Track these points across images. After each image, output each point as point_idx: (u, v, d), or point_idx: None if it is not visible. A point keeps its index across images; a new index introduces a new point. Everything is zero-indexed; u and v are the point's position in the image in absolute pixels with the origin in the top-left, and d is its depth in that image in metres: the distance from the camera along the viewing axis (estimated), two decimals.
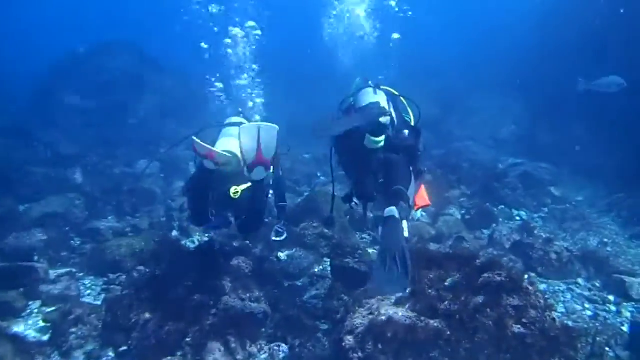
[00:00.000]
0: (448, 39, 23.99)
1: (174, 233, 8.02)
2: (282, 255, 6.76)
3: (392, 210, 4.08)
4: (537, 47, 14.76)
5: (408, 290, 4.19)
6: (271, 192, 5.63)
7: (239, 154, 4.65)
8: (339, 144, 4.79)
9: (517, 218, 8.69)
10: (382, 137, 4.37)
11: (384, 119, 4.38)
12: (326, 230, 6.92)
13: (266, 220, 5.31)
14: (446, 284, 4.57)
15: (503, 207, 8.97)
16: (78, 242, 7.48)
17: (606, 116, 11.28)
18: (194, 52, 9.87)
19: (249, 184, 4.88)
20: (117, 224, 8.14)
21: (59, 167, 10.20)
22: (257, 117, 7.68)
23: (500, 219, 8.43)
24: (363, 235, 7.67)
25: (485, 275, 4.38)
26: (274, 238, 5.87)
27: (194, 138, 4.50)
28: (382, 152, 4.48)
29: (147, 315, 4.72)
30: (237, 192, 4.84)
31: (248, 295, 5.29)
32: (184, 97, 15.40)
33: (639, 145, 9.51)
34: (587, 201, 9.54)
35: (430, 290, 4.50)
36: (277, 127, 4.64)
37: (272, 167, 5.02)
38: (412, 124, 4.83)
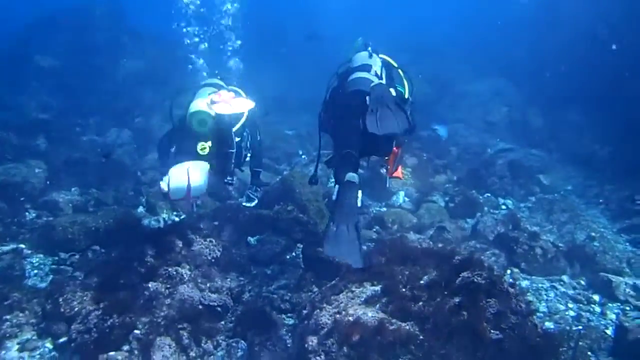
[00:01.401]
0: (443, 18, 23.43)
1: (140, 210, 7.52)
2: (252, 239, 6.33)
3: (354, 177, 4.03)
4: (531, 29, 14.43)
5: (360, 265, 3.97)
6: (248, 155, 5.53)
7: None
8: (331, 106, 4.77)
9: (503, 207, 8.32)
10: None
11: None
12: (301, 215, 6.48)
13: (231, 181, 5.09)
14: (422, 282, 4.20)
15: (489, 195, 8.60)
16: (33, 215, 6.94)
17: (603, 102, 11.00)
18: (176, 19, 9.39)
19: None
20: (79, 197, 7.60)
21: (24, 133, 9.56)
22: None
23: (486, 208, 8.06)
24: None
25: (464, 274, 4.02)
26: (244, 203, 5.73)
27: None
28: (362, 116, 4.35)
29: (91, 305, 4.27)
30: (205, 148, 4.84)
31: (208, 284, 4.86)
32: (165, 65, 14.66)
33: (634, 135, 9.17)
34: (576, 190, 9.20)
35: (403, 289, 4.13)
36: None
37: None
38: (406, 95, 4.78)
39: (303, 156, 10.68)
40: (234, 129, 5.05)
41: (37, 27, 15.25)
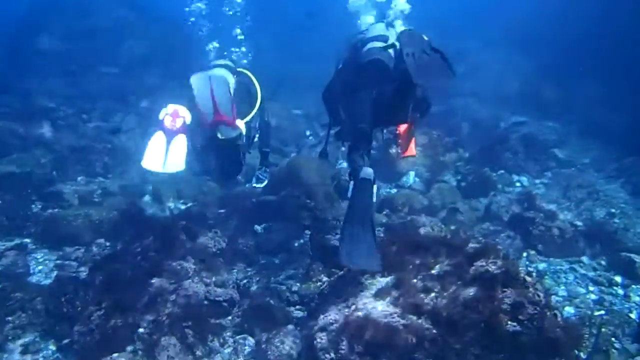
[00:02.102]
0: None
1: (146, 198, 7.40)
2: (259, 228, 6.17)
3: (369, 173, 4.00)
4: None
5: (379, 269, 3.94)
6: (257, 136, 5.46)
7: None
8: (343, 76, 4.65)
9: (518, 184, 8.04)
10: None
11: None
12: (308, 200, 6.29)
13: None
14: (433, 272, 4.02)
15: (503, 172, 8.28)
16: (39, 207, 6.85)
17: (618, 70, 10.57)
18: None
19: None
20: (84, 187, 7.50)
21: (29, 121, 9.42)
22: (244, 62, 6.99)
23: (500, 186, 7.78)
24: None
25: (478, 264, 3.84)
26: (254, 185, 5.67)
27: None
28: (376, 86, 4.38)
29: (94, 304, 4.16)
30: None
31: (214, 278, 4.73)
32: (170, 46, 14.34)
33: None
34: (595, 164, 8.83)
35: (415, 280, 3.96)
36: (227, 78, 4.56)
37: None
38: None
39: (310, 137, 10.44)
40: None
41: (39, 10, 14.95)
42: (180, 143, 4.50)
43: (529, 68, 13.28)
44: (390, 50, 4.46)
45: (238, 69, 5.40)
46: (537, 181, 8.21)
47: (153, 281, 4.44)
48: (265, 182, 5.68)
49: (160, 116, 4.57)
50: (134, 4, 15.87)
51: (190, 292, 4.43)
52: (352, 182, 4.08)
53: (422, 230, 5.35)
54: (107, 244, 5.63)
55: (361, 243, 3.84)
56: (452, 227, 6.00)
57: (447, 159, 8.42)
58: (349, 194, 4.06)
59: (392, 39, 4.58)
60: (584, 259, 5.78)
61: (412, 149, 5.06)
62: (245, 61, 7.21)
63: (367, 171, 4.03)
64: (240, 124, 4.67)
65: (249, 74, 5.42)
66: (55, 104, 10.69)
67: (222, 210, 6.37)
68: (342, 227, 3.99)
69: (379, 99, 4.38)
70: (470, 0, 19.88)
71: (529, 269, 5.49)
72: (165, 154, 4.46)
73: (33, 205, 6.88)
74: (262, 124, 5.44)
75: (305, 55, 15.01)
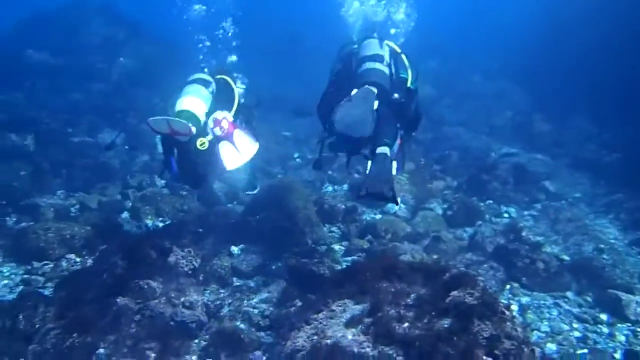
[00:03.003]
0: (446, 14, 23.04)
1: (124, 215, 7.20)
2: (236, 249, 5.98)
3: (384, 149, 4.09)
4: (539, 31, 14.10)
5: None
6: None
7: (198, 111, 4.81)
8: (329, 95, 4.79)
9: (505, 215, 7.89)
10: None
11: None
12: (288, 223, 6.10)
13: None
14: (408, 300, 3.86)
15: (491, 202, 8.15)
16: (13, 220, 6.65)
17: (611, 106, 10.62)
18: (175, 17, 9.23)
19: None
20: (62, 201, 7.31)
21: (12, 132, 9.26)
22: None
23: (487, 216, 7.64)
24: (332, 228, 6.87)
25: (455, 293, 3.68)
26: (247, 192, 5.93)
27: (149, 121, 4.47)
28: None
29: (52, 322, 3.94)
30: (204, 143, 4.78)
31: (182, 299, 4.52)
32: (162, 65, 14.34)
33: None
34: (585, 198, 8.71)
35: (388, 308, 3.79)
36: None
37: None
38: (409, 83, 4.74)
39: (298, 159, 10.32)
40: None
41: (30, 23, 14.99)
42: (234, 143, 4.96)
43: (521, 100, 13.34)
44: (386, 70, 4.62)
45: (216, 76, 5.44)
46: (526, 213, 8.07)
47: (118, 300, 4.23)
48: (258, 189, 6.03)
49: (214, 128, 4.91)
50: (126, 19, 15.98)
51: (155, 312, 4.22)
52: (369, 161, 4.17)
53: (402, 258, 5.19)
54: (77, 259, 5.42)
55: (379, 174, 3.98)
56: (434, 256, 5.86)
57: (434, 186, 8.29)
58: (367, 170, 4.12)
59: (386, 58, 4.71)
60: (569, 294, 5.60)
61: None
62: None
63: (383, 147, 4.13)
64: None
65: (227, 78, 5.51)
66: (41, 117, 10.53)
67: (199, 230, 6.18)
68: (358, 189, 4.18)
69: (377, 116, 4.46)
70: (462, 26, 20.13)
71: (511, 302, 5.32)
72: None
73: (8, 218, 6.69)
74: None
75: (300, 78, 15.04)
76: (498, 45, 16.48)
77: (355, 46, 4.95)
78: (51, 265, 5.37)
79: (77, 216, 6.82)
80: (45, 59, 13.57)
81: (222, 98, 5.18)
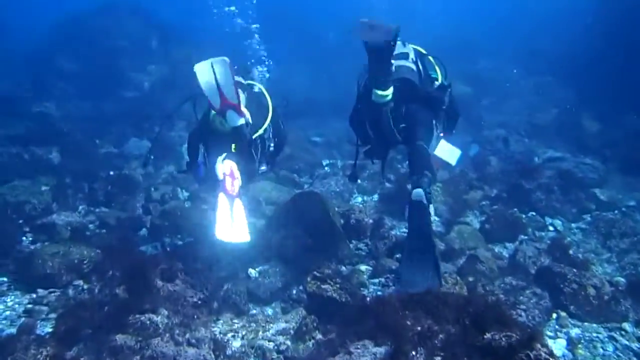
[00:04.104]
0: (483, 11, 22.19)
1: (142, 232, 6.94)
2: (254, 271, 5.58)
3: (420, 194, 4.05)
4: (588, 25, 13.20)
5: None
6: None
7: None
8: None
9: (551, 228, 7.18)
10: (389, 91, 4.30)
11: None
12: (311, 240, 5.67)
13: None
14: (436, 342, 3.39)
15: (534, 214, 7.47)
16: (29, 239, 6.49)
17: None
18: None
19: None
20: (80, 218, 7.09)
21: (38, 145, 9.21)
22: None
23: (529, 230, 6.97)
24: (359, 245, 6.38)
25: (490, 335, 3.21)
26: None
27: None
28: (403, 103, 4.58)
29: None
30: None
31: (187, 335, 4.15)
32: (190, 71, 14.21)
33: None
34: None
35: (413, 352, 3.32)
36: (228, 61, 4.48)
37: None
38: (439, 81, 4.76)
39: (326, 168, 9.85)
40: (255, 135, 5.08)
41: (64, 26, 15.12)
42: (241, 210, 4.68)
43: (566, 97, 12.46)
44: (413, 66, 4.70)
45: (247, 82, 5.38)
46: (574, 225, 7.33)
47: (117, 337, 3.90)
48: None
49: (219, 175, 4.59)
50: (158, 24, 15.96)
51: (157, 352, 3.86)
52: (406, 208, 4.23)
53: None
54: (85, 286, 5.15)
55: (422, 265, 4.02)
56: (470, 279, 5.30)
57: (471, 197, 7.65)
58: (405, 214, 4.25)
59: (411, 56, 4.81)
60: (627, 325, 4.86)
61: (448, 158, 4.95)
62: (259, 74, 7.14)
63: (417, 192, 4.08)
64: (246, 111, 4.70)
65: (259, 85, 5.51)
66: (68, 128, 10.50)
67: (215, 250, 5.81)
68: (402, 254, 4.36)
69: (408, 115, 4.62)
70: (499, 21, 19.31)
71: (559, 334, 4.69)
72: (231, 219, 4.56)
73: (24, 238, 6.52)
74: (276, 131, 5.51)
75: (334, 81, 14.68)
76: (537, 39, 15.60)
77: None
78: (57, 293, 5.10)
79: (91, 235, 6.60)
80: (75, 65, 13.70)
81: (252, 107, 4.97)
